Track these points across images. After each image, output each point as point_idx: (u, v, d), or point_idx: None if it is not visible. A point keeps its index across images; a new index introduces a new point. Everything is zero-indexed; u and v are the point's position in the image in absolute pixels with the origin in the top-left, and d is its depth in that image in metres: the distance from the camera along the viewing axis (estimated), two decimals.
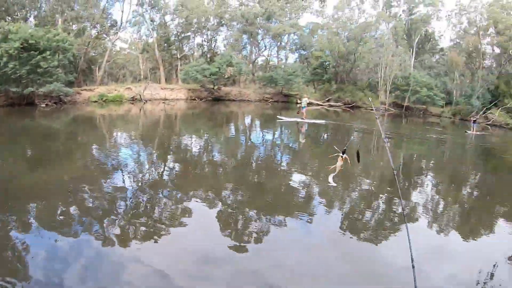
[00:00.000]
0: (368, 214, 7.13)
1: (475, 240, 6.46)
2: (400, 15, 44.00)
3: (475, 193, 10.08)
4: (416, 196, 8.55)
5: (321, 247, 5.62)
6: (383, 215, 7.19)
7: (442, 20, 45.21)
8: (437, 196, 9.09)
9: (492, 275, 5.04)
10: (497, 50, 46.49)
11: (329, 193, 8.21)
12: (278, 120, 21.02)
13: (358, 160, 4.96)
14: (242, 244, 5.45)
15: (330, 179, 6.05)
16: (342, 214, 7.09)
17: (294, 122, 20.79)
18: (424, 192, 9.21)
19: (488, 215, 7.85)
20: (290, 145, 15.17)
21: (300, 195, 7.92)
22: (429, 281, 4.69)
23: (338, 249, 5.60)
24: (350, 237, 6.01)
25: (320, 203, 7.53)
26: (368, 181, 9.59)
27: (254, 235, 5.77)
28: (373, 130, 22.26)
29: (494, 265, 5.28)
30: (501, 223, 7.37)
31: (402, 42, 39.95)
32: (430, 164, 13.73)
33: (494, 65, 46.97)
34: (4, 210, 6.12)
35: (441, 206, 8.24)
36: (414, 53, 42.32)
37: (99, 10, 40.79)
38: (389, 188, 8.87)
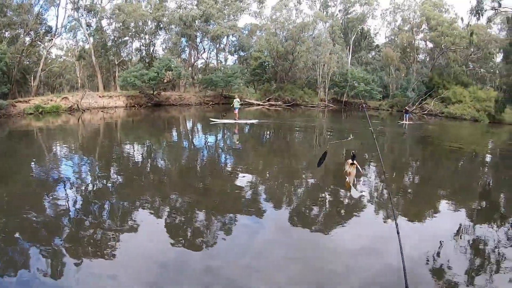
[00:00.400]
0: (316, 207, 7.47)
1: (422, 221, 6.95)
2: (337, 14, 45.87)
3: (416, 179, 10.92)
4: (362, 186, 9.07)
5: (274, 242, 5.74)
6: (331, 207, 7.58)
7: (377, 19, 47.79)
8: (382, 184, 9.66)
9: (439, 252, 5.49)
10: (430, 45, 49.89)
11: (275, 190, 8.52)
12: (211, 123, 21.19)
13: (322, 161, 4.69)
14: (194, 245, 5.48)
15: (353, 192, 6.15)
16: (291, 209, 7.26)
17: (229, 123, 21.24)
18: (369, 181, 9.76)
19: (431, 198, 8.60)
20: (233, 147, 15.50)
21: (247, 194, 8.10)
22: (383, 260, 5.11)
23: (290, 242, 5.74)
24: (301, 230, 6.20)
25: (268, 199, 7.69)
26: (310, 174, 10.07)
27: (206, 236, 5.83)
28: (314, 126, 23.46)
29: (440, 243, 5.76)
30: (443, 204, 8.08)
31: (339, 40, 41.71)
32: (372, 155, 14.44)
33: (428, 59, 50.37)
34: None
35: (386, 193, 8.80)
36: (351, 51, 44.41)
37: (33, 15, 39.09)
38: (333, 180, 9.44)
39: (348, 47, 44.01)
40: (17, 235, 5.90)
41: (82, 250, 5.29)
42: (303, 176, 10.24)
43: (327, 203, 7.82)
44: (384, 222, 6.82)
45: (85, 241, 5.63)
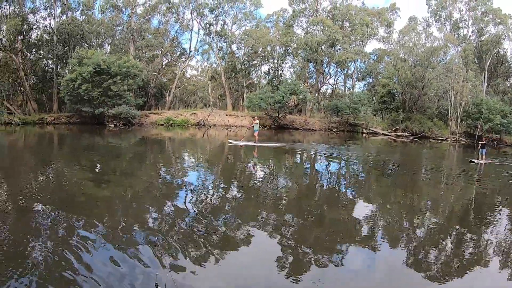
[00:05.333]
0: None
1: None
2: (469, 37, 41.81)
3: None
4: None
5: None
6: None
7: None
8: None
9: None
10: None
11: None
12: (229, 144, 20.43)
13: None
14: None
15: None
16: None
17: (250, 145, 19.65)
18: None
19: None
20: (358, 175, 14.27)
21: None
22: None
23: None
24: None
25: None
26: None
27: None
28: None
29: None
30: None
31: (473, 66, 38.30)
32: None
33: None
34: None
35: None
36: (486, 78, 40.15)
37: (169, 39, 43.04)
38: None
39: (482, 74, 40.04)
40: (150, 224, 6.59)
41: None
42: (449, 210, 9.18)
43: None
44: None
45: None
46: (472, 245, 6.85)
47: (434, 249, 6.38)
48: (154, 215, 7.12)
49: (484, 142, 19.97)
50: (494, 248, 6.83)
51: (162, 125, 34.34)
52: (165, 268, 4.73)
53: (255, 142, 20.09)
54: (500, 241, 7.04)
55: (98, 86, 29.34)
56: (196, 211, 7.53)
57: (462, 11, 43.27)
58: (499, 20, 42.29)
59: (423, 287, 5.11)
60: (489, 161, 19.60)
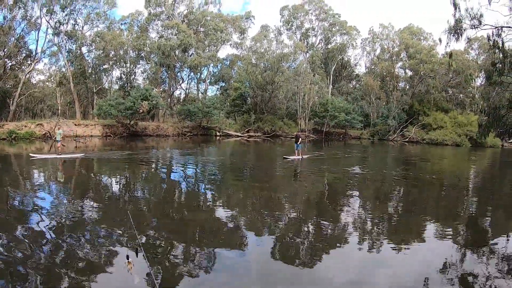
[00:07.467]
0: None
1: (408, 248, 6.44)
2: (317, 44, 45.74)
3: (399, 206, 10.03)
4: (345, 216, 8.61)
5: None
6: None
7: (357, 48, 47.91)
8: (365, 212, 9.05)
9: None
10: (410, 73, 50.23)
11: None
12: (31, 158, 17.11)
13: None
14: None
15: None
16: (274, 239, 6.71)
17: (52, 158, 17.19)
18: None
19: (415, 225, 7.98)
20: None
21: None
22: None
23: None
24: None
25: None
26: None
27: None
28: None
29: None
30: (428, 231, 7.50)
31: (320, 70, 41.72)
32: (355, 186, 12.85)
33: (407, 87, 50.58)
34: None
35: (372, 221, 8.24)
36: (331, 81, 44.25)
37: (14, 38, 37.90)
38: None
39: (328, 77, 44.03)
40: None
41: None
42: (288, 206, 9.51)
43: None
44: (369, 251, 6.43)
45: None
46: (331, 227, 7.49)
47: (298, 236, 6.81)
48: None
49: (300, 137, 19.32)
50: (351, 227, 7.51)
51: (4, 139, 29.64)
52: None
53: (58, 154, 17.82)
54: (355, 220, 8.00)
55: None
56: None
57: (312, 21, 47.59)
58: (344, 31, 47.67)
59: (294, 271, 5.28)
60: (306, 156, 19.72)
